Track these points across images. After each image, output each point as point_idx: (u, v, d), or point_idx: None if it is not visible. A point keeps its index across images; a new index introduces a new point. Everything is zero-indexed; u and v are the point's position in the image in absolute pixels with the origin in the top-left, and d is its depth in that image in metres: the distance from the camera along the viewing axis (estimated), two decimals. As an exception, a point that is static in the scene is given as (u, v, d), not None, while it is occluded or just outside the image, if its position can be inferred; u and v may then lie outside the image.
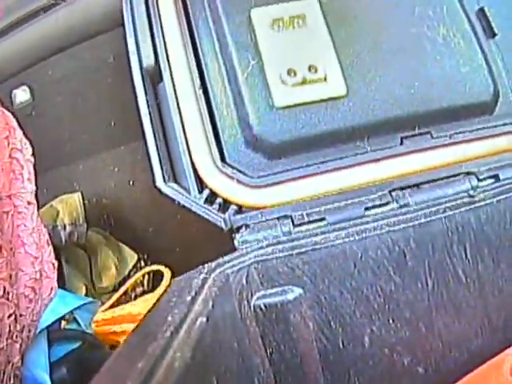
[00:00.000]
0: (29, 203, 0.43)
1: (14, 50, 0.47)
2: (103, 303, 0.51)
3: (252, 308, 0.34)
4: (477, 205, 0.37)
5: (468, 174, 0.40)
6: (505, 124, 0.42)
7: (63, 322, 0.51)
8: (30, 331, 0.44)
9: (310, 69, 0.37)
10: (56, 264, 0.47)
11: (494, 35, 0.43)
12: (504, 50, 0.44)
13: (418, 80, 0.39)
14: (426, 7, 0.42)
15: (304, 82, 0.37)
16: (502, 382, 0.37)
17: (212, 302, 0.30)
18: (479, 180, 0.40)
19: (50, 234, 0.51)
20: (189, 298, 0.29)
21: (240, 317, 0.34)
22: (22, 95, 0.52)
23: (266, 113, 0.37)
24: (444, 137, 0.40)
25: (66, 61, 0.49)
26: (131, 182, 0.56)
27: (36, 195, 0.44)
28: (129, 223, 0.57)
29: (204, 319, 0.28)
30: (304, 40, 0.38)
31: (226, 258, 0.34)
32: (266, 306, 0.34)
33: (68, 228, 0.51)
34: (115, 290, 0.54)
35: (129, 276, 0.54)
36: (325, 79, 0.37)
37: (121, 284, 0.54)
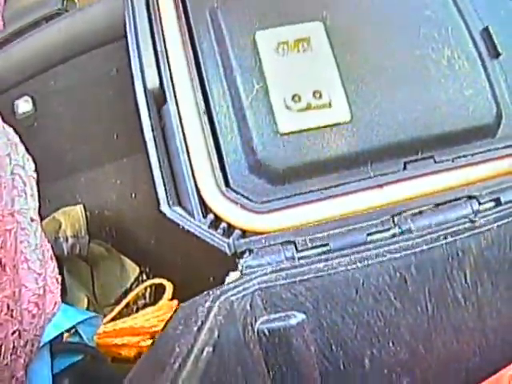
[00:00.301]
0: (32, 220, 0.43)
1: (16, 60, 0.47)
2: (105, 315, 0.52)
3: (256, 332, 0.35)
4: (477, 230, 0.38)
5: (470, 198, 0.41)
6: (507, 146, 0.43)
7: (66, 335, 0.52)
8: (33, 345, 0.44)
9: (314, 94, 0.38)
10: (59, 279, 0.47)
11: (498, 55, 0.44)
12: (508, 70, 0.44)
13: (422, 104, 0.40)
14: (431, 29, 0.42)
15: (309, 107, 0.38)
16: (500, 401, 0.38)
17: (218, 332, 0.31)
18: (480, 204, 0.41)
19: (52, 247, 0.52)
20: (195, 328, 0.30)
21: (244, 341, 0.35)
22: (24, 106, 0.52)
23: (270, 138, 0.37)
24: (447, 161, 0.40)
25: (69, 72, 0.49)
26: (133, 195, 0.56)
27: (39, 210, 0.44)
28: (131, 235, 0.58)
29: (210, 349, 0.29)
30: (309, 64, 0.39)
31: (231, 284, 0.35)
32: (269, 331, 0.35)
33: (70, 240, 0.52)
34: (117, 302, 0.55)
35: (131, 289, 0.55)
36: (329, 105, 0.38)
37: (122, 296, 0.54)
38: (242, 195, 0.38)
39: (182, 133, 0.39)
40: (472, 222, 0.39)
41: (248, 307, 0.35)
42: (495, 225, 0.39)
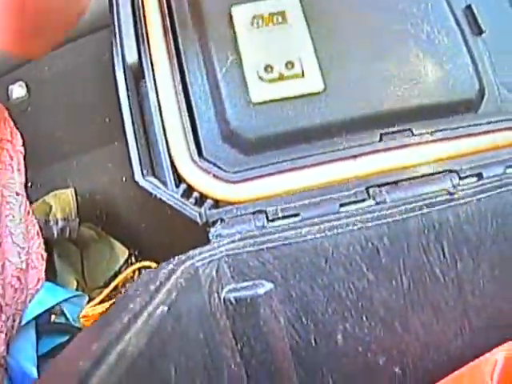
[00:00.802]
0: (17, 194, 0.44)
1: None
2: (94, 298, 0.52)
3: (222, 301, 0.34)
4: (456, 203, 0.37)
5: (450, 171, 0.39)
6: (490, 122, 0.41)
7: (52, 316, 0.52)
8: (14, 320, 0.45)
9: (287, 65, 0.38)
10: (45, 256, 0.48)
11: (480, 32, 0.43)
12: (491, 48, 0.43)
13: (399, 77, 0.39)
14: (410, 4, 0.42)
15: (281, 77, 0.38)
16: (483, 386, 0.36)
17: (176, 293, 0.30)
18: (461, 178, 0.39)
19: (41, 228, 0.53)
20: (153, 288, 0.30)
21: (209, 309, 0.34)
22: (18, 91, 0.54)
23: (243, 108, 0.37)
24: (425, 134, 0.39)
25: (62, 58, 0.51)
26: (124, 179, 0.57)
27: (26, 187, 0.45)
28: (121, 219, 0.58)
29: (165, 308, 0.29)
30: (283, 36, 0.39)
31: (197, 250, 0.34)
32: (236, 300, 0.34)
33: (60, 223, 0.53)
34: (106, 285, 0.55)
35: (120, 271, 0.55)
36: (302, 75, 0.38)
37: (111, 279, 0.55)
38: (215, 165, 0.38)
39: (158, 104, 0.39)
40: (450, 194, 0.37)
41: (214, 274, 0.34)
42: (475, 198, 0.37)
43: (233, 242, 0.35)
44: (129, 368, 0.24)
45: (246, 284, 0.35)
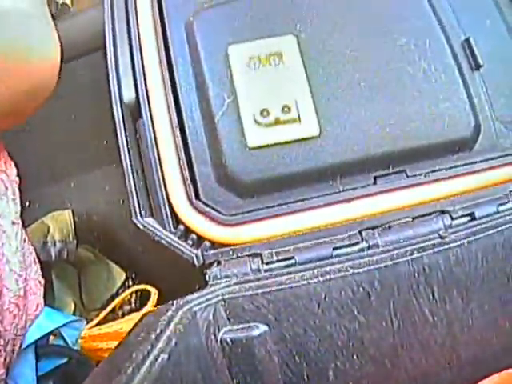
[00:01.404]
0: (13, 223, 0.48)
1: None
2: (91, 320, 0.57)
3: (219, 342, 0.39)
4: (446, 246, 0.41)
5: (442, 212, 0.43)
6: (485, 160, 0.45)
7: (51, 337, 0.57)
8: (14, 345, 0.49)
9: (283, 109, 0.41)
10: (43, 282, 0.52)
11: (478, 67, 0.46)
12: (488, 81, 0.46)
13: (394, 118, 0.42)
14: (408, 41, 0.44)
15: (277, 122, 0.41)
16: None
17: (176, 339, 0.34)
18: (453, 219, 0.43)
19: (39, 251, 0.57)
20: (153, 336, 0.34)
21: (207, 350, 0.38)
22: (14, 113, 0.56)
23: (240, 152, 0.41)
24: (419, 175, 0.43)
25: (60, 77, 0.53)
26: (121, 201, 0.60)
27: (21, 214, 0.49)
28: (118, 241, 0.62)
29: (166, 356, 0.33)
30: (279, 79, 0.42)
31: (195, 295, 0.38)
32: (232, 341, 0.38)
33: (58, 245, 0.57)
34: (103, 307, 0.59)
35: (117, 294, 0.59)
36: (298, 119, 0.41)
37: (109, 302, 0.59)
38: (212, 207, 0.41)
39: (156, 146, 0.43)
40: (441, 237, 0.41)
41: (211, 317, 0.38)
42: (465, 241, 0.41)
43: (228, 286, 0.39)
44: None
45: (241, 326, 0.39)
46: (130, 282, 0.60)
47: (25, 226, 0.55)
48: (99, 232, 0.61)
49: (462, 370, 0.44)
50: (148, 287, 0.55)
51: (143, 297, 0.55)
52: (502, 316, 0.44)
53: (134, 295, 0.55)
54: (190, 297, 0.39)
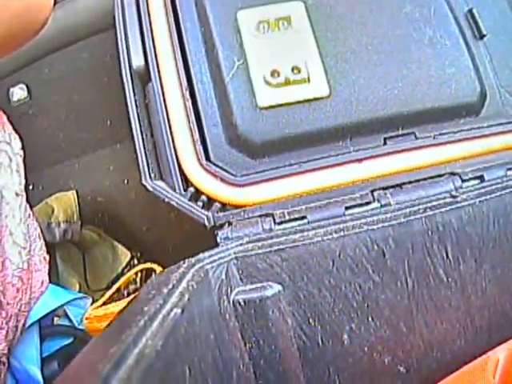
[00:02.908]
0: (17, 194, 0.45)
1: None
2: (96, 300, 0.53)
3: (231, 303, 0.36)
4: (458, 205, 0.38)
5: (452, 174, 0.41)
6: (491, 125, 0.43)
7: (55, 319, 0.53)
8: (18, 321, 0.46)
9: (293, 70, 0.39)
10: (47, 258, 0.49)
11: (482, 36, 0.45)
12: (493, 52, 0.45)
13: (402, 81, 0.41)
14: (413, 9, 0.43)
15: (287, 82, 0.39)
16: (486, 384, 0.38)
17: (188, 296, 0.32)
18: (463, 181, 0.41)
19: (43, 232, 0.54)
20: (165, 291, 0.31)
21: (219, 311, 0.35)
22: (19, 93, 0.55)
23: (250, 113, 0.39)
24: (428, 137, 0.41)
25: (63, 60, 0.52)
26: (126, 181, 0.58)
27: (26, 190, 0.46)
28: (123, 221, 0.59)
29: (179, 311, 0.30)
30: (288, 41, 0.40)
31: (206, 253, 0.36)
32: (245, 302, 0.36)
33: (62, 225, 0.54)
34: (108, 287, 0.56)
35: (122, 273, 0.56)
36: (308, 80, 0.39)
37: (114, 281, 0.56)
38: (222, 168, 0.39)
39: (165, 109, 0.40)
40: (453, 197, 0.39)
41: (223, 276, 0.36)
42: (477, 200, 0.39)
43: (241, 244, 0.36)
44: (147, 370, 0.26)
45: (254, 286, 0.36)
46: (135, 262, 0.57)
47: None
48: (104, 212, 0.59)
49: (476, 336, 0.41)
50: (153, 265, 0.52)
51: (148, 275, 0.52)
52: (514, 281, 0.42)
53: (139, 274, 0.52)
54: (201, 255, 0.36)
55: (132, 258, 0.57)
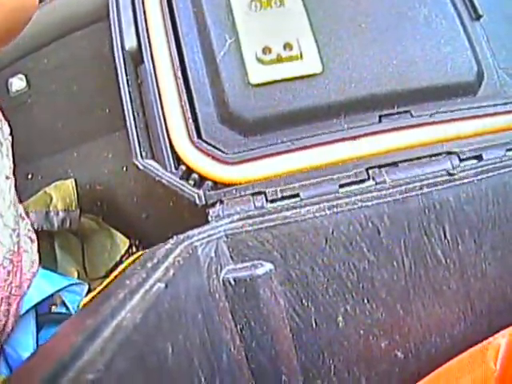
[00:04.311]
0: (7, 177, 0.43)
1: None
2: (94, 288, 0.50)
3: (221, 282, 0.32)
4: (456, 183, 0.35)
5: (449, 153, 0.38)
6: (489, 105, 0.40)
7: (53, 307, 0.50)
8: (9, 304, 0.43)
9: (285, 47, 0.36)
10: (34, 237, 0.46)
11: (478, 17, 0.41)
12: (489, 33, 0.42)
13: (397, 58, 0.37)
14: (407, -11, 0.40)
15: (279, 59, 0.36)
16: (486, 371, 0.34)
17: (174, 271, 0.28)
18: (461, 160, 0.38)
19: (41, 221, 0.51)
20: (150, 265, 0.28)
21: (208, 290, 0.32)
22: (18, 83, 0.52)
23: (241, 90, 0.36)
24: (424, 116, 0.38)
25: (62, 49, 0.49)
26: (124, 168, 0.55)
27: (14, 171, 0.43)
28: (121, 209, 0.56)
29: (162, 285, 0.27)
30: (281, 19, 0.37)
31: (196, 230, 0.32)
32: (235, 280, 0.32)
33: (61, 214, 0.51)
34: (107, 275, 0.53)
35: (121, 262, 0.53)
36: (300, 57, 0.36)
37: (112, 270, 0.53)
38: (214, 146, 0.36)
39: (157, 88, 0.38)
40: (451, 174, 0.36)
41: (213, 254, 0.32)
42: (475, 178, 0.35)
43: (232, 222, 0.33)
44: (123, 342, 0.22)
45: (245, 265, 0.33)
46: (134, 249, 0.54)
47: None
48: (102, 200, 0.56)
49: (476, 321, 0.37)
50: (151, 253, 0.49)
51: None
52: (515, 265, 0.38)
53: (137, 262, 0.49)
54: (190, 232, 0.33)
55: (130, 245, 0.54)
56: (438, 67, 0.38)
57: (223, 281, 0.32)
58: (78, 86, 0.53)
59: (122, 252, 0.53)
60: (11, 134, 0.40)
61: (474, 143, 0.38)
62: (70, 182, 0.53)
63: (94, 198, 0.56)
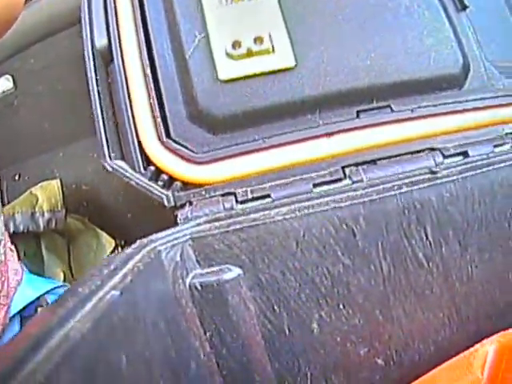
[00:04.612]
0: None
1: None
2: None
3: (187, 287, 0.31)
4: (438, 181, 0.32)
5: (432, 149, 0.35)
6: (476, 99, 0.37)
7: (39, 309, 0.49)
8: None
9: (255, 40, 0.34)
10: (13, 247, 0.45)
11: (464, 8, 0.39)
12: (476, 24, 0.39)
13: (375, 51, 0.35)
14: (388, -22, 0.38)
15: (250, 54, 0.34)
16: (473, 380, 0.31)
17: (132, 277, 0.26)
18: (445, 157, 0.35)
19: (27, 222, 0.50)
20: (106, 272, 0.26)
21: (174, 295, 0.30)
22: (4, 84, 0.51)
23: (210, 86, 0.34)
24: (406, 110, 0.35)
25: (48, 49, 0.48)
26: (109, 170, 0.54)
27: (0, 182, 0.42)
28: (107, 210, 0.55)
29: (117, 293, 0.25)
30: (252, 13, 0.35)
31: (160, 234, 0.31)
32: (202, 286, 0.30)
33: (47, 215, 0.50)
34: (92, 276, 0.52)
35: (106, 263, 0.52)
36: (272, 51, 0.34)
37: (98, 270, 0.51)
38: (183, 145, 0.34)
39: (126, 86, 0.36)
40: (433, 172, 0.33)
41: (178, 258, 0.30)
42: (460, 176, 0.33)
43: (198, 224, 0.31)
44: (69, 353, 0.21)
45: (212, 269, 0.31)
46: (120, 250, 0.52)
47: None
48: (88, 201, 0.54)
49: (462, 327, 0.35)
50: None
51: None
52: (505, 267, 0.36)
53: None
54: (154, 236, 0.31)
55: (116, 246, 0.53)
56: (420, 59, 0.36)
57: (190, 286, 0.31)
58: (63, 87, 0.52)
59: (108, 252, 0.52)
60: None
61: (459, 139, 0.35)
62: (56, 183, 0.52)
63: (79, 198, 0.55)
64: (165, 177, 0.34)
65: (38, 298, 0.47)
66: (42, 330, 0.21)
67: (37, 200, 0.50)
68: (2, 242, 0.42)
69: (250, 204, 0.33)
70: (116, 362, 0.24)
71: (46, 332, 0.21)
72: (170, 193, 0.34)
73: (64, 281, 0.51)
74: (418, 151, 0.35)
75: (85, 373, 0.22)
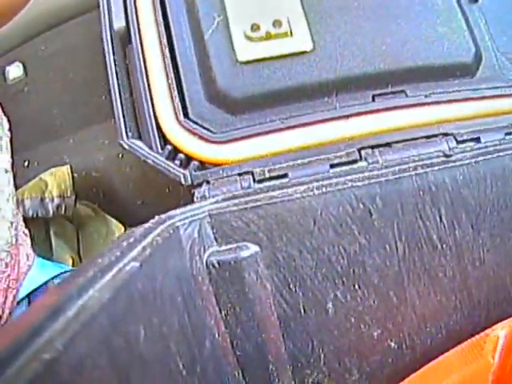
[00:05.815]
0: (6, 171, 0.40)
1: (6, 26, 0.45)
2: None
3: (204, 264, 0.29)
4: (452, 164, 0.31)
5: (446, 135, 0.34)
6: (487, 88, 0.36)
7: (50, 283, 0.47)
8: (6, 297, 0.40)
9: (274, 23, 0.33)
10: (27, 232, 0.43)
11: (476, 0, 0.38)
12: (488, 17, 0.39)
13: (391, 37, 0.34)
14: (402, -31, 0.37)
15: (268, 36, 0.33)
16: (483, 365, 0.30)
17: (151, 250, 0.25)
18: (458, 142, 0.34)
19: (37, 207, 0.48)
20: (125, 244, 0.25)
21: (191, 273, 0.29)
22: (15, 71, 0.50)
23: (230, 67, 0.33)
24: (420, 96, 0.34)
25: (58, 37, 0.47)
26: (120, 155, 0.53)
27: (12, 166, 0.41)
28: (117, 196, 0.54)
29: (137, 264, 0.24)
30: (271, -4, 0.34)
31: (178, 210, 0.29)
32: (219, 263, 0.29)
33: (56, 200, 0.48)
34: (101, 262, 0.50)
35: (115, 249, 0.50)
36: (290, 34, 0.33)
37: (106, 257, 0.50)
38: (201, 125, 0.33)
39: (144, 67, 0.35)
40: (447, 156, 0.32)
41: (196, 235, 0.29)
42: (473, 160, 0.32)
43: (216, 202, 0.30)
44: (87, 323, 0.19)
45: (229, 246, 0.30)
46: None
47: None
48: (98, 187, 0.53)
49: (474, 311, 0.34)
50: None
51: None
52: (515, 253, 0.35)
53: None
54: (173, 212, 0.30)
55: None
56: (433, 47, 0.35)
57: (207, 263, 0.29)
58: (74, 73, 0.51)
59: (117, 240, 0.50)
60: (10, 129, 0.38)
61: (472, 126, 0.35)
62: (66, 169, 0.50)
63: (89, 184, 0.53)
64: (182, 156, 0.33)
65: (46, 283, 0.45)
66: (60, 299, 0.20)
67: (46, 186, 0.49)
68: (14, 225, 0.40)
69: (267, 183, 0.32)
70: (134, 334, 0.23)
71: (64, 301, 0.20)
72: (187, 172, 0.32)
73: (73, 267, 0.50)
74: (432, 136, 0.34)
75: (102, 344, 0.21)
